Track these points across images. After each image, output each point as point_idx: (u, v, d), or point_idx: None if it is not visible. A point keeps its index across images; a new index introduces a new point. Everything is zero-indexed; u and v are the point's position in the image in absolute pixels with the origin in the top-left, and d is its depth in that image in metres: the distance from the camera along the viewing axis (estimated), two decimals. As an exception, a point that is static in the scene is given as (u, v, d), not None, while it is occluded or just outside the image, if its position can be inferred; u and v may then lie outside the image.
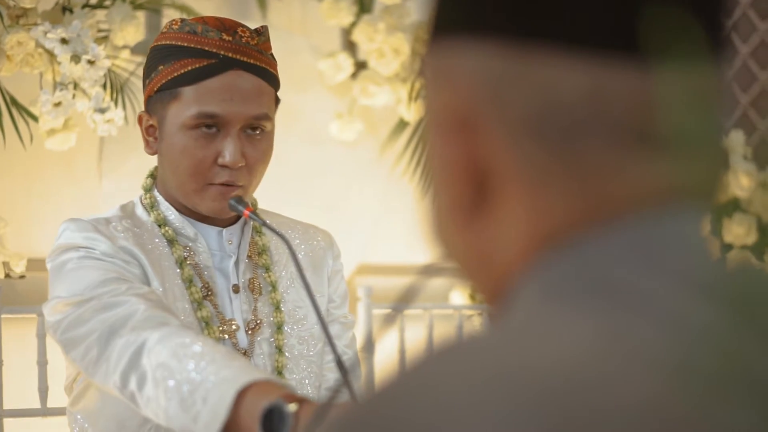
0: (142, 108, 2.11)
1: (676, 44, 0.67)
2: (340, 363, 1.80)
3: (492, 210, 0.73)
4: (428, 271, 0.85)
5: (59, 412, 2.47)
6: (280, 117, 2.12)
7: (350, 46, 3.80)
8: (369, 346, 2.16)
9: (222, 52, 1.99)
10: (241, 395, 1.66)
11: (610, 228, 0.70)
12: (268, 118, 2.04)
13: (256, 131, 2.03)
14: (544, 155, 0.71)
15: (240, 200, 2.01)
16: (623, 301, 0.69)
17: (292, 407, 1.60)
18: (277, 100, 2.07)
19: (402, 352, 2.96)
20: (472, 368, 0.65)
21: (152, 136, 2.08)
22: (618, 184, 0.71)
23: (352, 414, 0.66)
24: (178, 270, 2.05)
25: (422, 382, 0.66)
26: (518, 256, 0.73)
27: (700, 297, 0.68)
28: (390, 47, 3.67)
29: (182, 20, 2.05)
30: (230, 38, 2.00)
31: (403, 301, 0.90)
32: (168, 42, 2.03)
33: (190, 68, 2.00)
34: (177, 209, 2.09)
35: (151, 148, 2.08)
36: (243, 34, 2.02)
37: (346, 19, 3.70)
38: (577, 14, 0.69)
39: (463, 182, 0.74)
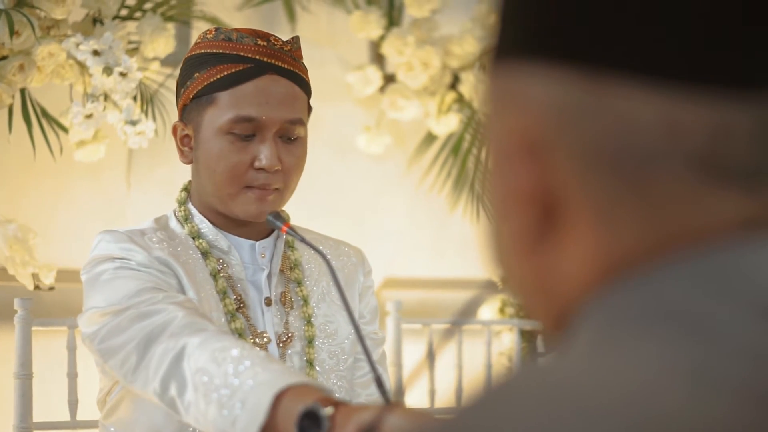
0: (175, 119, 2.12)
1: None
2: (378, 380, 1.80)
3: (558, 238, 0.72)
4: (487, 288, 0.84)
5: (89, 424, 2.47)
6: (308, 129, 2.13)
7: (379, 59, 3.80)
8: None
9: (257, 57, 2.01)
10: (279, 398, 1.66)
11: (681, 258, 0.70)
12: (303, 123, 2.06)
13: (291, 137, 2.04)
14: (616, 185, 0.70)
15: (278, 216, 2.02)
16: (693, 328, 0.68)
17: (328, 410, 1.60)
18: (309, 108, 2.09)
19: (431, 368, 2.94)
20: (539, 396, 0.65)
21: (187, 145, 2.09)
22: (691, 216, 0.70)
23: None
24: (212, 282, 2.05)
25: (487, 414, 0.65)
26: (584, 284, 0.72)
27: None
28: (419, 60, 3.67)
29: (216, 29, 2.07)
30: (265, 43, 2.02)
31: (463, 316, 0.90)
32: (203, 51, 2.05)
33: (226, 73, 2.01)
34: (211, 222, 2.09)
35: (186, 157, 2.09)
36: (276, 42, 2.04)
37: (375, 32, 3.70)
38: (656, 45, 0.68)
39: (529, 209, 0.73)
